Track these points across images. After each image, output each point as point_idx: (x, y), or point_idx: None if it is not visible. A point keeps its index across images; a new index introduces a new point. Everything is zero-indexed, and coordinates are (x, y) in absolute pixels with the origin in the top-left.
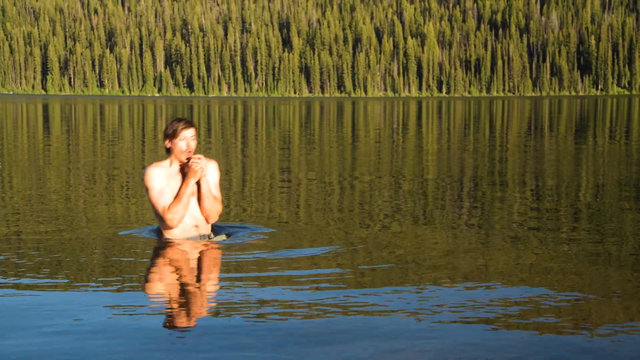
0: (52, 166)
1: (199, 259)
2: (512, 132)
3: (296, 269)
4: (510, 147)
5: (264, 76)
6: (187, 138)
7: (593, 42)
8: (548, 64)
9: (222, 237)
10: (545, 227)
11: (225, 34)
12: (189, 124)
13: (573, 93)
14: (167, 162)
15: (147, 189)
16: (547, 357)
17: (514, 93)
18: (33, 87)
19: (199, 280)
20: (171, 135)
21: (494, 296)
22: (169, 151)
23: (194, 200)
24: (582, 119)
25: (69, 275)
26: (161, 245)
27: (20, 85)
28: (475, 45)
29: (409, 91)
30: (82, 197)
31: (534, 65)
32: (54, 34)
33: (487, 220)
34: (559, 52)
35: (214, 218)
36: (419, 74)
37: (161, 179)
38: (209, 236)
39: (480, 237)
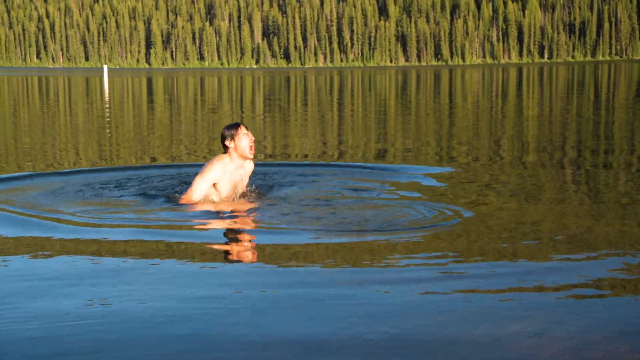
0: (155, 137)
1: None
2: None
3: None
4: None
5: (360, 46)
6: (247, 134)
7: None
8: None
9: None
10: None
11: (322, 4)
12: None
13: None
14: (228, 158)
15: (202, 171)
16: None
17: (621, 57)
18: (137, 60)
19: None
20: (231, 137)
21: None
22: (227, 150)
23: (236, 200)
24: None
25: None
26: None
27: (126, 59)
28: (580, 8)
29: (509, 57)
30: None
31: None
32: (156, 9)
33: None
34: None
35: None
36: (520, 40)
37: (218, 175)
38: None
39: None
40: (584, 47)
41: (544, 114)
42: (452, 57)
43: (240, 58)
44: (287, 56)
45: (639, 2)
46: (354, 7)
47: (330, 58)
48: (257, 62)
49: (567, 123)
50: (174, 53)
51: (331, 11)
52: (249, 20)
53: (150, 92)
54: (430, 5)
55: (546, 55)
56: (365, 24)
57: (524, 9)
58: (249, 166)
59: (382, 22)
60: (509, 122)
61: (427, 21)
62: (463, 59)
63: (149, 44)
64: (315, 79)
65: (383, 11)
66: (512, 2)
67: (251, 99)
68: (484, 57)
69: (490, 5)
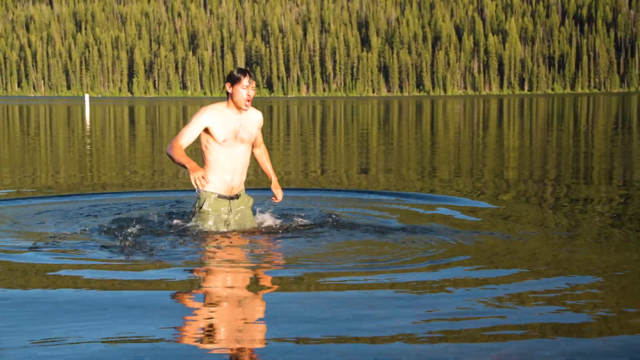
0: (137, 164)
1: None
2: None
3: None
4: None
5: (342, 76)
6: (248, 87)
7: None
8: (637, 59)
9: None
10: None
11: (305, 35)
12: (252, 76)
13: None
14: (223, 104)
15: (190, 121)
16: None
17: (599, 89)
18: (120, 89)
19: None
20: (234, 80)
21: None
22: (228, 95)
23: (238, 149)
24: None
25: None
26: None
27: (108, 88)
28: (559, 41)
29: (490, 89)
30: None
31: (621, 61)
32: (139, 38)
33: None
34: None
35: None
36: (500, 72)
37: (207, 119)
38: (238, 195)
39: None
40: (563, 79)
41: (525, 144)
42: (433, 87)
43: (223, 87)
44: (269, 86)
45: (616, 36)
46: (337, 37)
47: (313, 88)
48: None
49: (548, 154)
50: (156, 82)
51: (314, 42)
52: (232, 50)
53: (132, 120)
54: (412, 36)
55: (526, 87)
56: (348, 55)
57: (504, 41)
58: (255, 116)
59: (364, 52)
60: (491, 153)
61: (409, 52)
62: (444, 89)
63: (131, 73)
64: (297, 108)
65: (365, 42)
66: (493, 34)
67: None
68: (465, 88)
69: (471, 37)
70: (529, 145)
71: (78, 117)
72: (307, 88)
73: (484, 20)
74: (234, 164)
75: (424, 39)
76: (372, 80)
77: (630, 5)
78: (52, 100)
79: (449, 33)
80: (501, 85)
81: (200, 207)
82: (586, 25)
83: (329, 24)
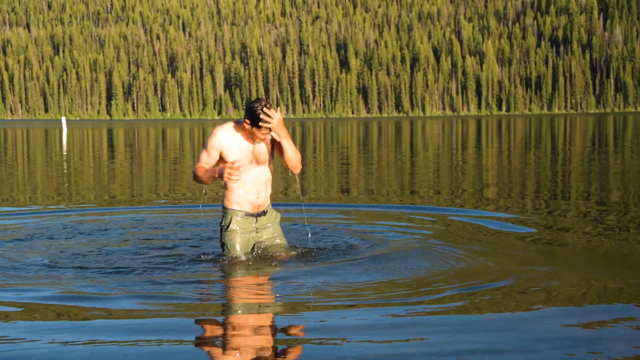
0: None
1: None
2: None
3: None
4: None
5: (321, 97)
6: (265, 134)
7: None
8: (612, 80)
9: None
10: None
11: (284, 57)
12: (269, 106)
13: (639, 109)
14: (235, 125)
15: (205, 145)
16: None
17: (576, 110)
18: (98, 112)
19: None
20: (252, 121)
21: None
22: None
23: (255, 171)
24: None
25: None
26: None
27: (86, 111)
28: (535, 62)
29: (468, 110)
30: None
31: (597, 82)
32: (118, 60)
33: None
34: (624, 67)
35: (299, 167)
36: (478, 92)
37: (219, 142)
38: (265, 212)
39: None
40: (540, 100)
41: (503, 164)
42: (412, 108)
43: (203, 109)
44: None
45: (591, 57)
46: (316, 59)
47: (292, 109)
48: (220, 113)
49: (526, 173)
50: (135, 104)
51: (293, 63)
52: (211, 72)
53: (110, 143)
54: (390, 58)
55: (504, 108)
56: (327, 76)
57: (481, 63)
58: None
59: (343, 74)
60: (471, 170)
61: (388, 74)
62: (423, 110)
63: (110, 96)
64: None
65: (344, 64)
66: (470, 56)
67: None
68: (444, 109)
69: (449, 58)
70: (507, 165)
71: (56, 140)
72: (287, 109)
73: (461, 42)
74: (255, 184)
75: (402, 60)
76: (351, 102)
77: (604, 27)
78: (29, 123)
79: (427, 55)
80: (479, 106)
81: (227, 227)
82: (562, 46)
83: (307, 46)
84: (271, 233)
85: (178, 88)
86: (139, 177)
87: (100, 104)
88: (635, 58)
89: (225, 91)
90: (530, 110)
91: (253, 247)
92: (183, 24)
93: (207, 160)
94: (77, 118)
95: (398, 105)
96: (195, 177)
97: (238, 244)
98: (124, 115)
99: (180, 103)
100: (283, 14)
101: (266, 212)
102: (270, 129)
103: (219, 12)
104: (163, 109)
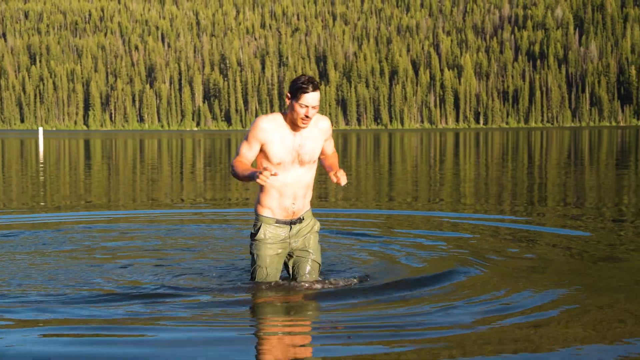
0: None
1: None
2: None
3: None
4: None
5: None
6: (308, 106)
7: (634, 71)
8: (587, 95)
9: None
10: None
11: (263, 68)
12: (315, 86)
13: (614, 123)
14: (281, 117)
15: (246, 135)
16: None
17: (552, 124)
18: (75, 122)
19: None
20: (293, 94)
21: None
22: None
23: (296, 172)
24: (624, 149)
25: None
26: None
27: (63, 121)
28: (512, 76)
29: (446, 122)
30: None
31: (572, 96)
32: (95, 71)
33: None
34: (599, 82)
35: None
36: (456, 106)
37: (261, 133)
38: (301, 219)
39: None
40: (517, 114)
41: (481, 176)
42: (391, 121)
43: (181, 120)
44: (228, 119)
45: (567, 72)
46: (295, 71)
47: None
48: (198, 124)
49: (504, 184)
50: (113, 115)
51: (272, 75)
52: (190, 83)
53: (87, 154)
54: (369, 70)
55: (482, 121)
56: None
57: (459, 76)
58: (321, 126)
59: (322, 86)
60: (449, 184)
61: (367, 86)
62: (402, 123)
63: (87, 106)
64: None
65: (323, 76)
66: (448, 69)
67: (191, 162)
68: (422, 122)
69: (427, 72)
70: (485, 177)
71: (31, 150)
72: None
73: (439, 55)
74: (294, 188)
75: (381, 73)
76: (330, 114)
77: (580, 42)
78: (4, 133)
79: (406, 67)
80: (457, 119)
81: (256, 234)
82: (538, 61)
83: (287, 58)
84: (303, 244)
85: (156, 99)
86: (115, 188)
87: (77, 114)
88: (610, 73)
89: (204, 102)
90: (507, 123)
91: (290, 256)
92: (162, 34)
93: (247, 153)
94: (54, 128)
95: (377, 118)
96: (234, 172)
97: (267, 257)
98: (102, 125)
99: (158, 114)
100: (262, 25)
101: (302, 219)
102: (309, 117)
103: (198, 23)
104: (141, 119)
